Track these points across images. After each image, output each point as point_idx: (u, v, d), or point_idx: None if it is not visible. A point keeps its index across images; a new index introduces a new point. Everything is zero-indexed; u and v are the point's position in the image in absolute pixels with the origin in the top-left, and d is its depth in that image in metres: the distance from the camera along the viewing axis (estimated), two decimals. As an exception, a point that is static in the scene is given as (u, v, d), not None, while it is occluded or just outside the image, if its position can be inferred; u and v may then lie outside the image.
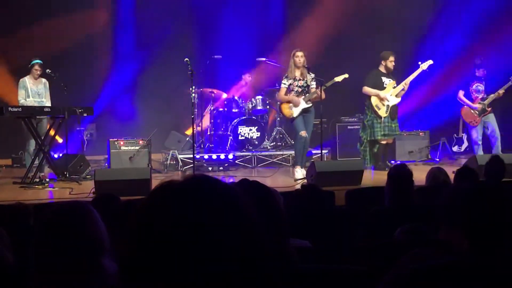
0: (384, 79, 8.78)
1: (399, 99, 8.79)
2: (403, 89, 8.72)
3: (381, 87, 8.73)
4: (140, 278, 0.97)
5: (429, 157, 10.05)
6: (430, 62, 8.72)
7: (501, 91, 8.96)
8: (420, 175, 5.34)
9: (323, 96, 7.93)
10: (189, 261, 0.95)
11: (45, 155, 8.01)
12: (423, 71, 8.76)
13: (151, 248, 0.96)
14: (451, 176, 5.14)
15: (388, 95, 8.69)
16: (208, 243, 0.95)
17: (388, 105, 8.71)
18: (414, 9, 11.23)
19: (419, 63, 8.75)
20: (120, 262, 1.02)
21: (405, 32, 11.21)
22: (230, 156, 9.38)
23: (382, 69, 8.82)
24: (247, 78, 10.72)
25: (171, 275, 0.95)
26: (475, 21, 10.91)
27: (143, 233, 0.99)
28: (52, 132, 8.29)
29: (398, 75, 8.90)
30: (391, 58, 8.76)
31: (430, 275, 1.71)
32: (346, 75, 8.37)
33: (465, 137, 10.00)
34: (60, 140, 9.62)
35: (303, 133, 8.04)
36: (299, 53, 8.05)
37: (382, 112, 8.70)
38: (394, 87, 8.74)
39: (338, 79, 8.33)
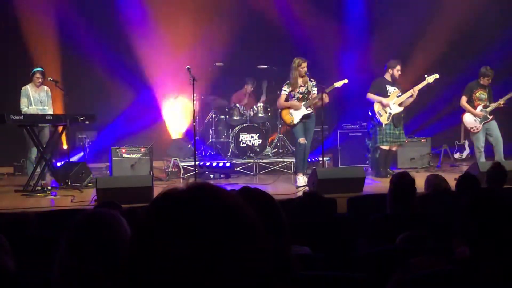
0: (388, 87, 8.85)
1: (402, 108, 8.84)
2: (411, 96, 8.76)
3: (385, 95, 8.80)
4: (141, 286, 0.96)
5: (431, 164, 10.05)
6: (436, 76, 8.77)
7: (502, 101, 8.96)
8: (421, 182, 5.32)
9: (327, 100, 7.97)
10: (191, 269, 0.94)
11: (46, 163, 8.02)
12: (428, 84, 8.81)
13: (152, 257, 0.96)
14: (453, 183, 5.14)
15: (391, 103, 8.74)
16: (211, 251, 0.95)
17: (390, 113, 8.75)
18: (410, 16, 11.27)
19: (425, 75, 8.79)
20: (122, 270, 1.01)
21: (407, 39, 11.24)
22: (228, 164, 9.38)
23: (387, 77, 8.90)
24: (249, 88, 10.75)
25: (172, 283, 0.95)
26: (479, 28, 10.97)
27: (145, 242, 0.99)
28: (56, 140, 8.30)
29: (403, 85, 8.94)
30: (398, 67, 8.83)
31: (430, 283, 1.71)
32: (346, 81, 8.42)
33: (466, 143, 9.98)
34: (65, 146, 9.61)
35: (301, 140, 8.07)
36: (304, 64, 8.08)
37: (384, 119, 8.76)
38: (398, 96, 8.78)
39: (338, 84, 8.37)
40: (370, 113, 8.98)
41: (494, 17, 11.08)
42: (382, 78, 8.98)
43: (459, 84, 9.54)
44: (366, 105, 9.03)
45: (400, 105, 8.81)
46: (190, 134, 9.54)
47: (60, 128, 8.21)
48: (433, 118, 11.23)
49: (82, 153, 10.40)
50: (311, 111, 8.20)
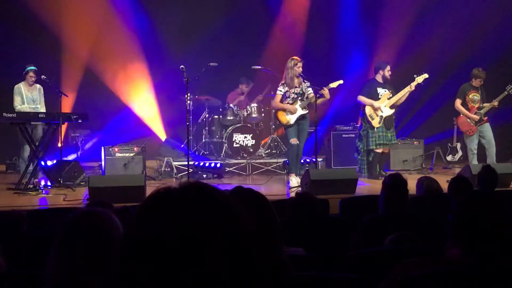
0: (379, 89, 8.82)
1: (393, 111, 8.85)
2: (404, 95, 8.75)
3: (375, 97, 8.78)
4: (136, 284, 0.96)
5: (424, 166, 10.07)
6: (426, 76, 8.75)
7: (495, 102, 8.98)
8: (414, 184, 5.35)
9: (328, 96, 7.99)
10: (184, 269, 0.94)
11: (39, 161, 7.98)
12: (418, 84, 8.80)
13: (146, 255, 0.96)
14: (445, 185, 5.16)
15: (382, 106, 8.74)
16: (203, 251, 0.95)
17: (381, 116, 8.75)
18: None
19: (415, 76, 8.79)
20: (116, 268, 1.01)
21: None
22: (219, 165, 9.36)
23: (379, 79, 8.88)
24: (244, 88, 10.73)
25: (165, 282, 0.95)
26: (472, 28, 11.00)
27: (137, 240, 0.99)
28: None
29: (394, 86, 8.94)
30: (388, 68, 8.82)
31: (423, 284, 1.71)
32: (341, 81, 8.40)
33: (459, 146, 10.01)
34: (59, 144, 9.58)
35: (293, 140, 8.07)
36: (300, 63, 8.06)
37: (375, 123, 8.74)
38: (389, 98, 8.78)
39: (333, 85, 8.35)
40: (361, 115, 8.98)
41: (486, 17, 11.10)
42: (373, 80, 8.96)
43: (452, 85, 9.56)
44: (359, 107, 9.03)
45: (391, 107, 8.82)
46: (183, 133, 9.52)
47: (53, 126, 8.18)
48: (426, 120, 11.25)
49: (75, 152, 10.35)
50: (307, 111, 8.20)
